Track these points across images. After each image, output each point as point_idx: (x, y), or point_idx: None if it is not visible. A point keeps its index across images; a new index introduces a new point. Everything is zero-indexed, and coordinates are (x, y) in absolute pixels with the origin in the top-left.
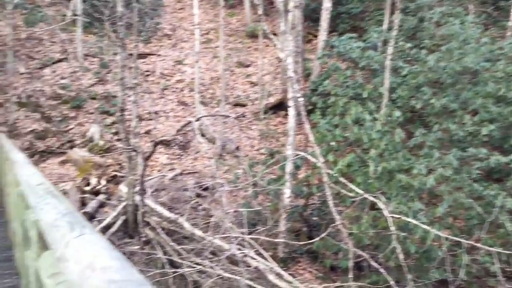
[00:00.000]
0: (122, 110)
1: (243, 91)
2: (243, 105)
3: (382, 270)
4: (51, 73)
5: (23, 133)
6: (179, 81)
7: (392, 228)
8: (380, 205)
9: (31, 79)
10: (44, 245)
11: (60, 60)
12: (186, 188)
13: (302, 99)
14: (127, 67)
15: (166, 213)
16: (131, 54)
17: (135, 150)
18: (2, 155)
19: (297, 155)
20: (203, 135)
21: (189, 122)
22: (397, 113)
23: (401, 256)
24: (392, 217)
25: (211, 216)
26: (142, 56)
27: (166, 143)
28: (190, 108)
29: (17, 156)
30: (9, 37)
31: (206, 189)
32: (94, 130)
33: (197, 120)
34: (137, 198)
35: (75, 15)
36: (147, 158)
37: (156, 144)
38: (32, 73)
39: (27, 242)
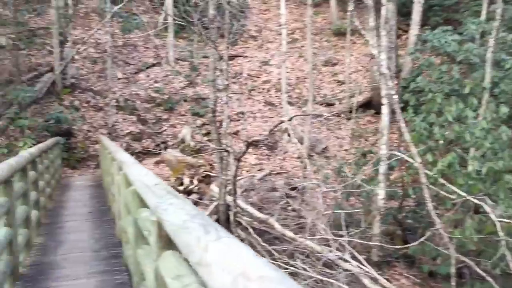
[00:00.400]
0: (214, 111)
1: (330, 90)
2: (331, 104)
3: (488, 278)
4: (145, 77)
5: (121, 135)
6: (265, 81)
7: (501, 233)
8: (486, 208)
9: (127, 84)
10: (166, 246)
11: (153, 65)
12: (275, 188)
13: (396, 96)
14: (218, 69)
15: (257, 213)
16: (221, 57)
17: (227, 151)
18: (107, 156)
19: (391, 155)
20: (290, 135)
21: (282, 122)
22: (504, 109)
23: (511, 264)
24: (501, 221)
25: (301, 217)
26: (229, 58)
27: (254, 144)
28: (277, 108)
29: (124, 156)
30: (108, 44)
31: (295, 189)
32: (185, 132)
33: (290, 120)
34: (229, 198)
35: (167, 21)
36: (239, 159)
37: (248, 144)
38: (128, 78)
39: (140, 241)
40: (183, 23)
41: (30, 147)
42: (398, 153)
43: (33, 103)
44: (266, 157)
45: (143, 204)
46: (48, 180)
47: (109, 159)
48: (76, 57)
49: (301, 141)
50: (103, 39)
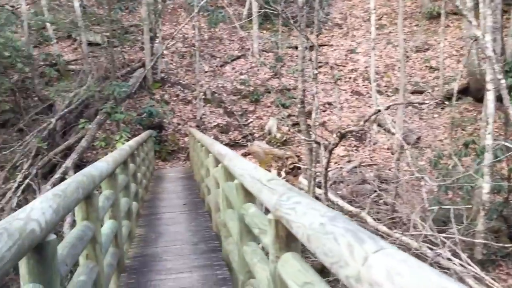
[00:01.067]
0: (302, 102)
1: (422, 78)
2: (422, 92)
3: None
4: (231, 70)
5: (209, 127)
6: (352, 70)
7: None
8: None
9: (214, 77)
10: (285, 247)
11: (238, 57)
12: (365, 180)
13: (504, 81)
14: (306, 59)
15: (348, 206)
16: (312, 46)
17: (317, 142)
18: (199, 149)
19: (497, 145)
20: (380, 125)
21: (378, 112)
22: None
23: None
24: None
25: (395, 211)
26: (314, 47)
27: (347, 135)
28: (365, 98)
29: (223, 149)
30: (195, 38)
31: (386, 182)
32: (271, 123)
33: (387, 109)
34: (318, 191)
35: (251, 13)
36: (331, 150)
37: (341, 136)
38: (214, 70)
39: (246, 237)
40: (271, 12)
41: (126, 140)
42: (508, 144)
43: (127, 98)
44: (355, 148)
45: (249, 199)
46: (144, 172)
47: (204, 152)
48: (165, 52)
49: (391, 131)
50: (190, 33)
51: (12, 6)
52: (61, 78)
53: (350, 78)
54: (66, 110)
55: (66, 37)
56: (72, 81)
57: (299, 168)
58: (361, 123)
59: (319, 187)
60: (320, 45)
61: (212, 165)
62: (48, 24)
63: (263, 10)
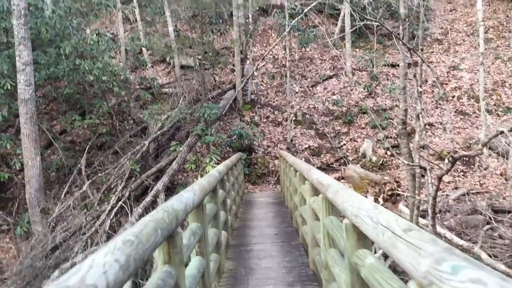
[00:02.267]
0: (404, 122)
1: None
2: None
3: None
4: (322, 90)
5: (300, 150)
6: (455, 88)
7: None
8: None
9: (305, 97)
10: None
11: (330, 77)
12: (476, 210)
13: None
14: (408, 76)
15: (457, 239)
16: (415, 63)
17: (422, 167)
18: (292, 173)
19: None
20: (491, 148)
21: (501, 133)
22: None
23: None
24: None
25: (510, 246)
26: (414, 64)
27: (460, 159)
28: (471, 118)
29: (325, 178)
30: (286, 58)
31: (500, 212)
32: (366, 146)
33: (511, 130)
34: (422, 221)
35: (343, 31)
36: (441, 177)
37: (454, 161)
38: (305, 91)
39: None
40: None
41: (216, 163)
42: None
43: (217, 120)
44: (462, 173)
45: (363, 243)
46: (234, 197)
47: (298, 178)
48: (256, 73)
49: (505, 155)
50: (280, 54)
51: (113, 34)
52: (155, 101)
53: (453, 96)
54: (158, 132)
55: (161, 61)
56: (165, 104)
57: (398, 195)
58: (479, 146)
59: (423, 216)
60: (415, 63)
61: (309, 194)
62: (144, 49)
63: (358, 25)
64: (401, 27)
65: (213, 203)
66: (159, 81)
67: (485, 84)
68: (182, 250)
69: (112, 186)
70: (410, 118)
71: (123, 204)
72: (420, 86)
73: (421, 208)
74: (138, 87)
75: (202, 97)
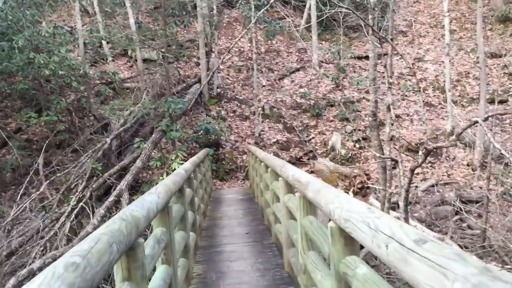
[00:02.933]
0: (375, 114)
1: (501, 85)
2: (503, 102)
3: None
4: (290, 83)
5: (268, 144)
6: (420, 80)
7: None
8: None
9: (272, 91)
10: None
11: (297, 70)
12: (445, 201)
13: None
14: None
15: (427, 231)
16: (385, 54)
17: (394, 159)
18: (262, 169)
19: None
20: (457, 139)
21: (475, 123)
22: None
23: None
24: None
25: (480, 236)
26: (378, 57)
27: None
28: (437, 109)
29: (301, 175)
30: (253, 49)
31: (468, 202)
32: (335, 139)
33: (485, 120)
34: (393, 213)
35: (309, 23)
36: (414, 169)
37: (428, 152)
38: (272, 84)
39: None
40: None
41: (182, 159)
42: None
43: (183, 115)
44: (429, 164)
45: (352, 250)
46: (201, 195)
47: (270, 174)
48: (221, 66)
49: (472, 146)
50: (246, 47)
51: (71, 27)
52: (117, 97)
53: (419, 88)
54: (121, 129)
55: (122, 54)
56: (127, 99)
57: (368, 187)
58: (452, 137)
59: (393, 209)
60: (384, 54)
61: (283, 191)
62: (104, 42)
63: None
64: (370, 16)
65: (180, 203)
66: (120, 76)
67: (450, 75)
68: (145, 263)
69: (72, 187)
70: (379, 110)
71: (84, 205)
72: (390, 77)
73: (391, 201)
74: (98, 82)
75: (166, 92)
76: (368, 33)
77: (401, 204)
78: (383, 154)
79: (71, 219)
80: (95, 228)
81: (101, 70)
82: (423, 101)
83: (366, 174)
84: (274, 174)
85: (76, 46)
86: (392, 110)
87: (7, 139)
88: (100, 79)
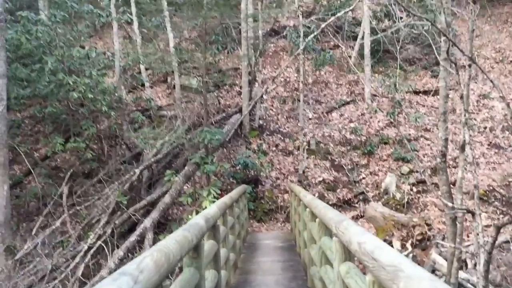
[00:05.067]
0: (444, 155)
1: None
2: None
3: None
4: (338, 117)
5: (313, 184)
6: (486, 119)
7: None
8: None
9: (319, 124)
10: None
11: (347, 103)
12: None
13: None
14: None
15: None
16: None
17: (470, 212)
18: (305, 215)
19: None
20: None
21: None
22: None
23: None
24: None
25: None
26: (436, 92)
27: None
28: (507, 151)
29: (371, 241)
30: (300, 79)
31: None
32: (389, 181)
33: None
34: (462, 274)
35: (360, 55)
36: (500, 227)
37: None
38: (320, 117)
39: None
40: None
41: (215, 197)
42: None
43: (220, 147)
44: (501, 215)
45: None
46: (232, 243)
47: (318, 227)
48: (265, 97)
49: None
50: (292, 77)
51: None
52: (152, 125)
53: (485, 128)
54: (152, 159)
55: (161, 81)
56: (162, 128)
57: (428, 239)
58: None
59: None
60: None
61: (339, 258)
62: (142, 68)
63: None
64: (442, 39)
65: (195, 267)
66: (158, 103)
67: None
68: None
69: (94, 221)
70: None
71: (103, 244)
72: (466, 110)
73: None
74: (134, 109)
75: (203, 121)
76: (439, 56)
77: (480, 268)
78: (452, 203)
79: (87, 259)
80: (111, 273)
81: (137, 96)
82: (490, 142)
83: (428, 224)
84: (324, 228)
85: (113, 70)
86: (469, 150)
87: (29, 166)
88: (137, 106)
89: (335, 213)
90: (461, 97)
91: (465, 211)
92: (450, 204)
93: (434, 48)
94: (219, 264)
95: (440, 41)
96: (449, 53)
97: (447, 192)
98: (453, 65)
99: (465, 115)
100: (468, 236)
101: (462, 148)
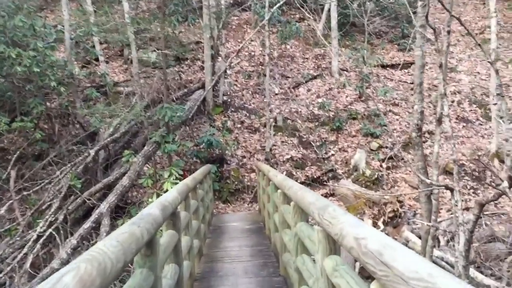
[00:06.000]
0: (420, 128)
1: None
2: None
3: None
4: (306, 92)
5: (280, 161)
6: (454, 92)
7: None
8: None
9: (286, 100)
10: None
11: (314, 77)
12: (496, 237)
13: None
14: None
15: (481, 277)
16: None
17: (449, 188)
18: (276, 197)
19: None
20: (502, 161)
21: None
22: None
23: None
24: None
25: None
26: (404, 66)
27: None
28: (475, 125)
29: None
30: (266, 52)
31: None
32: (359, 157)
33: None
34: (437, 252)
35: (328, 28)
36: (483, 205)
37: None
38: (286, 93)
39: None
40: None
41: (177, 178)
42: None
43: (182, 125)
44: (472, 191)
45: None
46: (196, 228)
47: (293, 210)
48: (229, 71)
49: None
50: (257, 51)
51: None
52: (108, 102)
53: (453, 101)
54: (108, 139)
55: (118, 55)
56: (119, 105)
57: (399, 216)
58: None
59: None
60: (410, 63)
61: (323, 250)
62: (96, 40)
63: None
64: (420, 3)
65: (148, 268)
66: (114, 79)
67: (485, 88)
68: None
69: (44, 207)
70: (406, 126)
71: (54, 232)
72: (444, 80)
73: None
74: (89, 85)
75: (164, 97)
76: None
77: (460, 247)
78: (428, 178)
79: (36, 249)
80: (63, 264)
81: (90, 71)
82: (458, 116)
83: (399, 201)
84: (300, 212)
85: (64, 45)
86: (448, 123)
87: None
88: (91, 82)
89: (315, 196)
90: (440, 66)
91: (443, 187)
92: (428, 181)
93: (412, 16)
94: (180, 256)
95: (410, 12)
96: (427, 18)
97: (422, 168)
98: (430, 32)
99: (444, 85)
100: (439, 212)
101: (439, 121)
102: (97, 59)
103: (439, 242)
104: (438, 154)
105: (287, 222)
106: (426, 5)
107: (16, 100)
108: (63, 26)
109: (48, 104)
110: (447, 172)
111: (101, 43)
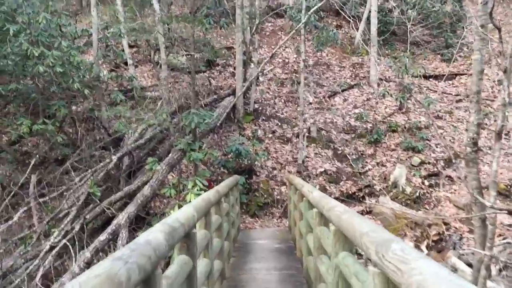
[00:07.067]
0: (475, 143)
1: None
2: None
3: None
4: (342, 102)
5: (313, 175)
6: (503, 105)
7: None
8: None
9: (320, 110)
10: None
11: (351, 87)
12: None
13: None
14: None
15: None
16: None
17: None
18: (309, 216)
19: None
20: None
21: None
22: None
23: None
24: None
25: None
26: (448, 77)
27: (504, 194)
28: None
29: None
30: (301, 57)
31: None
32: (398, 173)
33: None
34: (491, 284)
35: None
36: None
37: None
38: (321, 102)
39: None
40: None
41: (201, 189)
42: None
43: (209, 132)
44: None
45: None
46: (219, 248)
47: (333, 237)
48: (261, 78)
49: None
50: (291, 58)
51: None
52: (136, 107)
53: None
54: (132, 145)
55: (147, 60)
56: (146, 110)
57: (443, 240)
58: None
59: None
60: (456, 74)
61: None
62: (125, 44)
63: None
64: (480, 0)
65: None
66: (142, 83)
67: None
68: None
69: (61, 215)
70: (453, 140)
71: (68, 243)
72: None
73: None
74: (116, 89)
75: (191, 103)
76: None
77: None
78: (483, 199)
79: (47, 260)
80: (73, 278)
81: (117, 74)
82: (508, 131)
83: (445, 224)
84: (344, 240)
85: (90, 44)
86: (497, 142)
87: None
88: (118, 86)
89: (368, 224)
90: (505, 71)
91: (505, 211)
92: (488, 203)
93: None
94: (194, 286)
95: (448, 22)
96: (491, 15)
97: (477, 188)
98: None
99: (508, 94)
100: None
101: (499, 135)
102: (126, 63)
103: (490, 271)
104: (496, 173)
105: (324, 248)
106: (488, 1)
107: (40, 103)
108: (91, 27)
109: (73, 107)
110: (498, 193)
111: (131, 47)
